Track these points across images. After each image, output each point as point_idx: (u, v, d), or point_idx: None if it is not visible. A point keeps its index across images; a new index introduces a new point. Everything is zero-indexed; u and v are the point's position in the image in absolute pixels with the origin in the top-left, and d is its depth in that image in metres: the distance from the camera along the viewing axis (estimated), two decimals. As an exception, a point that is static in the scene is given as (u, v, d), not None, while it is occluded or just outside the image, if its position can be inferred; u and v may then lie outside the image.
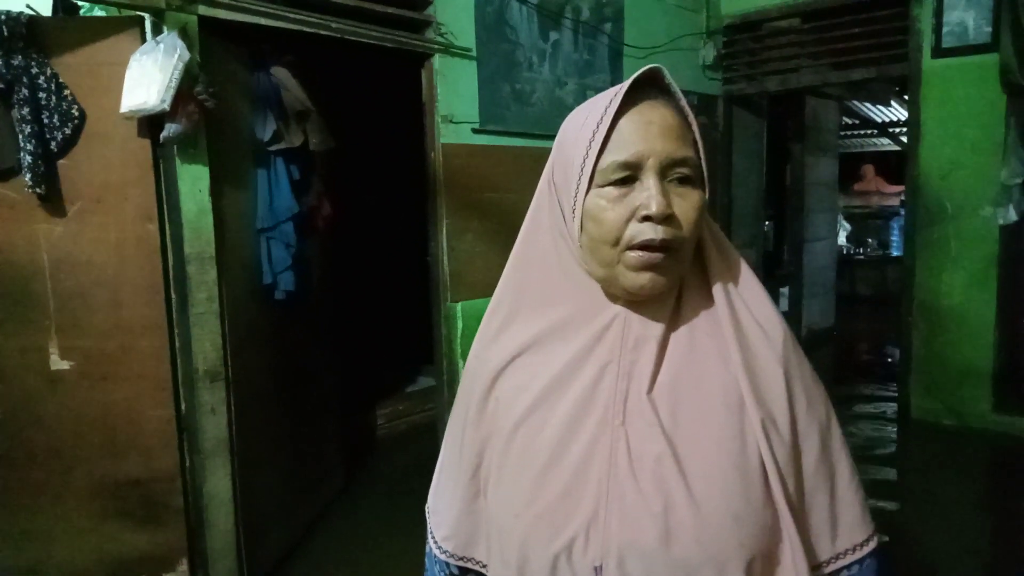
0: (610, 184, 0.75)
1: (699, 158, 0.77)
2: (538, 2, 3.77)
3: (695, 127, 0.77)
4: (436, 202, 3.44)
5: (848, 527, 0.80)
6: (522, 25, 3.71)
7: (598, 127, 0.75)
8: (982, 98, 4.15)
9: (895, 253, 9.68)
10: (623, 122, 0.75)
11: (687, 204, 0.75)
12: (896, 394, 4.79)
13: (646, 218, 0.73)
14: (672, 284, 0.77)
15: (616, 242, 0.75)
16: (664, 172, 0.74)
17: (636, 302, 0.79)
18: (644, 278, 0.75)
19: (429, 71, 3.38)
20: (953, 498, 3.50)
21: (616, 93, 0.75)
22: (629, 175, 0.74)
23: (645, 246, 0.73)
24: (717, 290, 0.80)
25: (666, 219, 0.73)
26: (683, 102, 0.77)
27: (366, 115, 4.90)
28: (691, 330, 0.80)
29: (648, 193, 0.73)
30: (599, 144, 0.75)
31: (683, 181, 0.75)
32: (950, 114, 4.28)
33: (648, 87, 0.78)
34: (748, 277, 0.82)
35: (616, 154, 0.74)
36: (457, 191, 3.46)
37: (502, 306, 0.89)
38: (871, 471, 3.86)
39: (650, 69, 0.77)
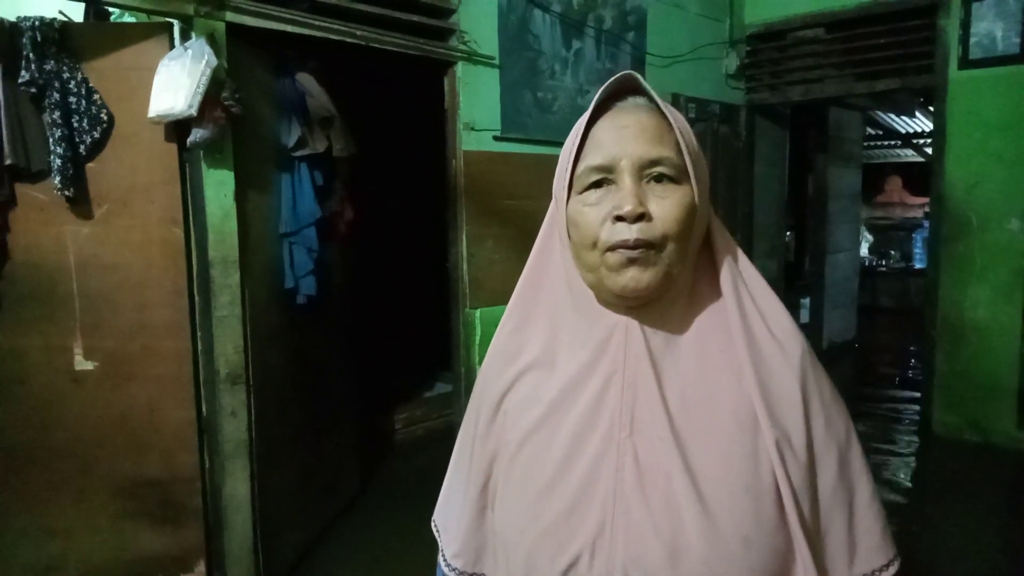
0: (588, 188, 0.77)
1: (681, 158, 0.76)
2: (561, 11, 3.78)
3: (677, 128, 0.76)
4: (456, 209, 3.45)
5: (867, 551, 0.78)
6: (545, 33, 3.72)
7: (575, 140, 0.78)
8: (1010, 110, 4.09)
9: (918, 265, 9.57)
10: (599, 128, 0.78)
11: (667, 202, 0.74)
12: (918, 409, 4.73)
13: (619, 218, 0.74)
14: (660, 284, 0.75)
15: (595, 244, 0.75)
16: (639, 173, 0.75)
17: (638, 310, 0.78)
18: (625, 277, 0.74)
19: (452, 78, 3.40)
20: (975, 516, 3.45)
21: (593, 102, 0.78)
22: (604, 178, 0.76)
23: (621, 246, 0.73)
24: (730, 303, 0.79)
25: (640, 217, 0.73)
26: (663, 105, 0.77)
27: (388, 121, 4.92)
28: (702, 344, 0.79)
29: (622, 194, 0.74)
30: (574, 151, 0.78)
31: (663, 179, 0.75)
32: (976, 126, 4.23)
33: (629, 95, 0.79)
34: (764, 289, 0.81)
35: (591, 159, 0.77)
36: (477, 198, 3.47)
37: (511, 319, 0.89)
38: (890, 487, 3.81)
39: (623, 76, 0.78)
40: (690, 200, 0.76)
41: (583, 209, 0.77)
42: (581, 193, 0.78)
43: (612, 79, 0.78)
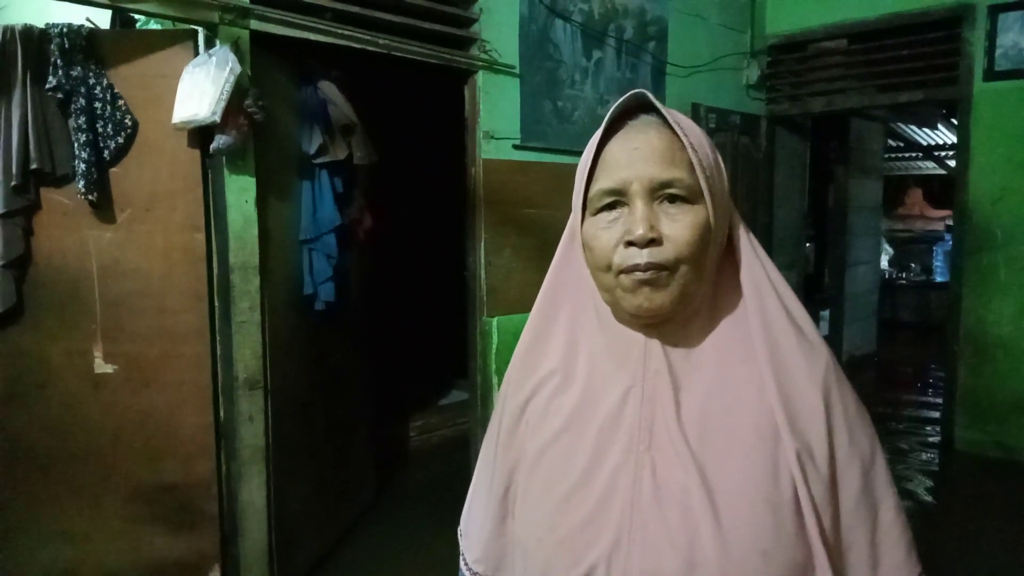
0: (601, 211, 0.77)
1: (694, 176, 0.75)
2: (582, 21, 3.78)
3: (690, 146, 0.75)
4: (475, 217, 3.45)
5: (891, 567, 0.76)
6: (566, 43, 3.71)
7: (587, 162, 0.78)
8: (1036, 123, 4.05)
9: (938, 279, 9.47)
10: (610, 149, 0.77)
11: (679, 224, 0.74)
12: (940, 425, 4.66)
13: (630, 243, 0.74)
14: (675, 304, 0.75)
15: (609, 267, 0.76)
16: (651, 195, 0.75)
17: (657, 327, 0.79)
18: (640, 298, 0.75)
19: (472, 87, 3.40)
20: (999, 533, 3.38)
21: (604, 122, 0.78)
22: (617, 200, 0.76)
23: (633, 269, 0.74)
24: (753, 312, 0.78)
25: (651, 242, 0.73)
26: (674, 124, 0.76)
27: (409, 130, 4.94)
28: (723, 356, 0.78)
29: (633, 218, 0.74)
30: (586, 173, 0.78)
31: (676, 200, 0.75)
32: (1001, 138, 4.18)
33: (642, 112, 0.79)
34: (790, 300, 0.80)
35: (603, 181, 0.77)
36: (496, 206, 3.47)
37: (531, 330, 0.90)
38: (911, 505, 3.75)
39: (634, 94, 0.78)
40: (704, 219, 0.75)
41: (597, 233, 0.77)
42: (595, 215, 0.78)
43: (623, 98, 0.78)
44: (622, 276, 0.75)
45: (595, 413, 0.80)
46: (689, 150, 0.75)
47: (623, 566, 0.73)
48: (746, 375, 0.77)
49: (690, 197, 0.75)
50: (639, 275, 0.74)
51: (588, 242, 0.79)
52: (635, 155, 0.75)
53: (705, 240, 0.75)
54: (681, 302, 0.76)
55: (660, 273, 0.74)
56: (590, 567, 0.74)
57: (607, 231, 0.76)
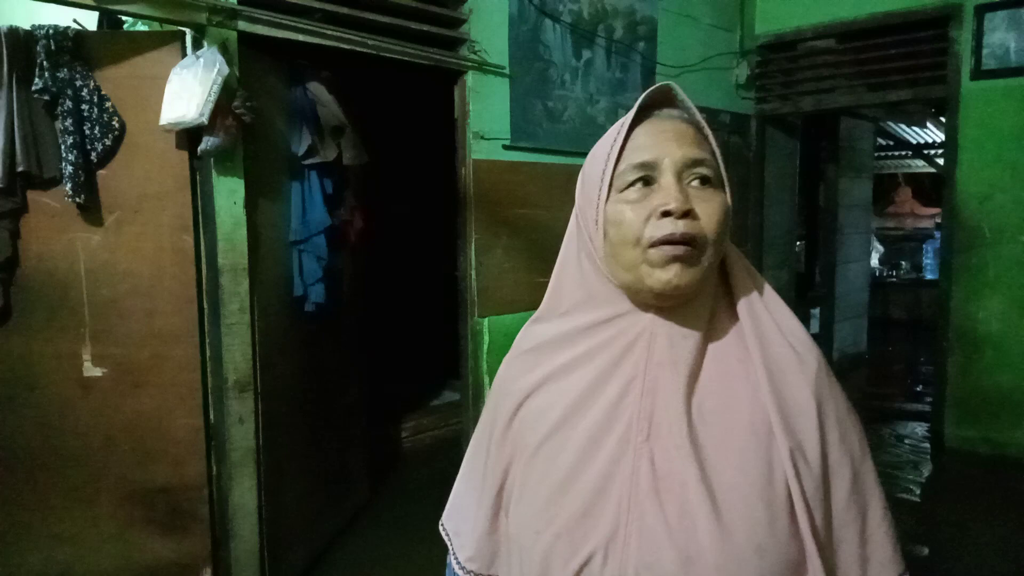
0: (629, 187, 0.77)
1: (717, 162, 0.78)
2: (572, 21, 3.78)
3: (711, 137, 0.79)
4: (466, 217, 3.44)
5: (879, 565, 0.78)
6: (555, 43, 3.72)
7: (616, 139, 0.79)
8: (1023, 121, 4.07)
9: (928, 276, 9.52)
10: (638, 132, 0.79)
11: (708, 205, 0.75)
12: (930, 422, 4.68)
13: (665, 214, 0.74)
14: (698, 284, 0.76)
15: (638, 242, 0.75)
16: (681, 173, 0.76)
17: (665, 312, 0.79)
18: (670, 273, 0.74)
19: (462, 88, 3.40)
20: (987, 530, 3.40)
21: (634, 108, 0.80)
22: (647, 175, 0.76)
23: (667, 241, 0.73)
24: (744, 316, 0.79)
25: (686, 215, 0.73)
26: (697, 115, 0.79)
27: (399, 130, 4.94)
28: (722, 354, 0.79)
29: (666, 191, 0.74)
30: (617, 152, 0.78)
31: (704, 182, 0.76)
32: (989, 137, 4.20)
33: (663, 105, 0.82)
34: (777, 302, 0.82)
35: (633, 158, 0.77)
36: (487, 207, 3.47)
37: (532, 322, 0.91)
38: (901, 502, 3.76)
39: (662, 86, 0.80)
40: (727, 207, 0.77)
41: (623, 207, 0.77)
42: (622, 191, 0.78)
43: (651, 88, 0.80)
44: (651, 250, 0.74)
45: (594, 404, 0.79)
46: (711, 140, 0.78)
47: (620, 558, 0.73)
48: (742, 373, 0.78)
49: (715, 182, 0.77)
50: (669, 249, 0.73)
51: (614, 218, 0.77)
52: (663, 137, 0.77)
53: (727, 226, 0.77)
54: (700, 285, 0.77)
55: (692, 250, 0.74)
56: (587, 557, 0.74)
57: (636, 206, 0.76)
